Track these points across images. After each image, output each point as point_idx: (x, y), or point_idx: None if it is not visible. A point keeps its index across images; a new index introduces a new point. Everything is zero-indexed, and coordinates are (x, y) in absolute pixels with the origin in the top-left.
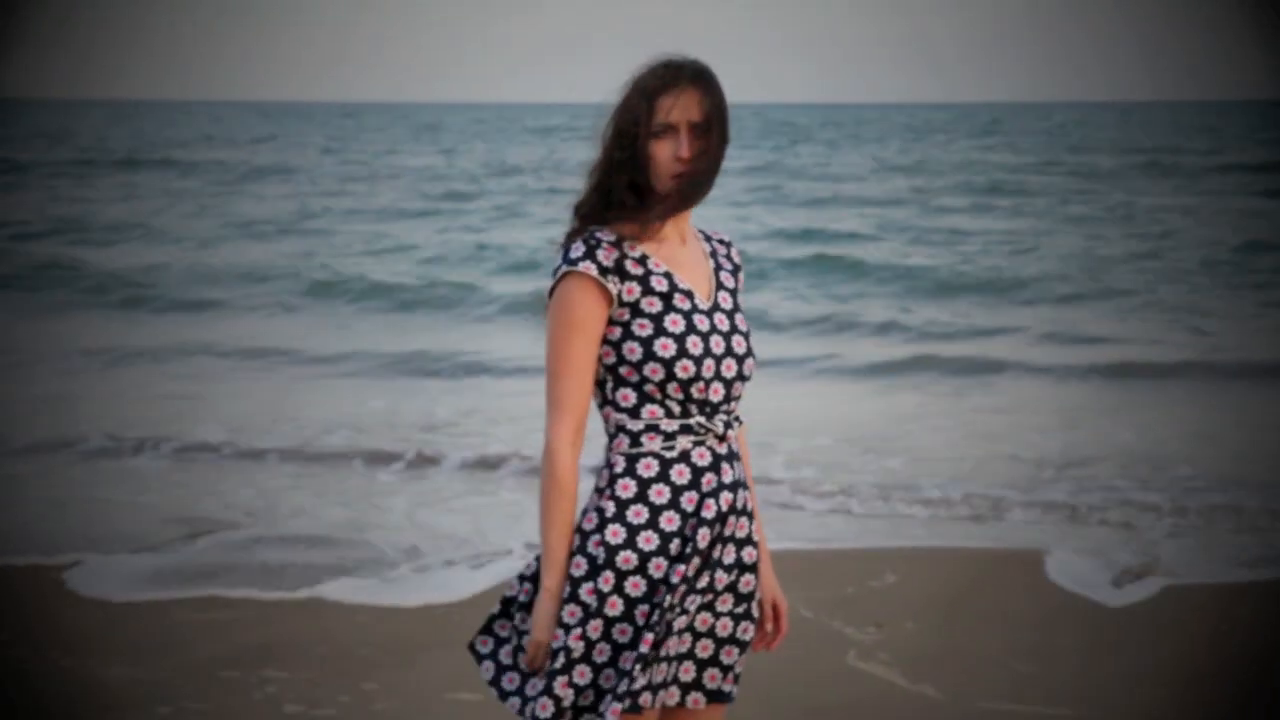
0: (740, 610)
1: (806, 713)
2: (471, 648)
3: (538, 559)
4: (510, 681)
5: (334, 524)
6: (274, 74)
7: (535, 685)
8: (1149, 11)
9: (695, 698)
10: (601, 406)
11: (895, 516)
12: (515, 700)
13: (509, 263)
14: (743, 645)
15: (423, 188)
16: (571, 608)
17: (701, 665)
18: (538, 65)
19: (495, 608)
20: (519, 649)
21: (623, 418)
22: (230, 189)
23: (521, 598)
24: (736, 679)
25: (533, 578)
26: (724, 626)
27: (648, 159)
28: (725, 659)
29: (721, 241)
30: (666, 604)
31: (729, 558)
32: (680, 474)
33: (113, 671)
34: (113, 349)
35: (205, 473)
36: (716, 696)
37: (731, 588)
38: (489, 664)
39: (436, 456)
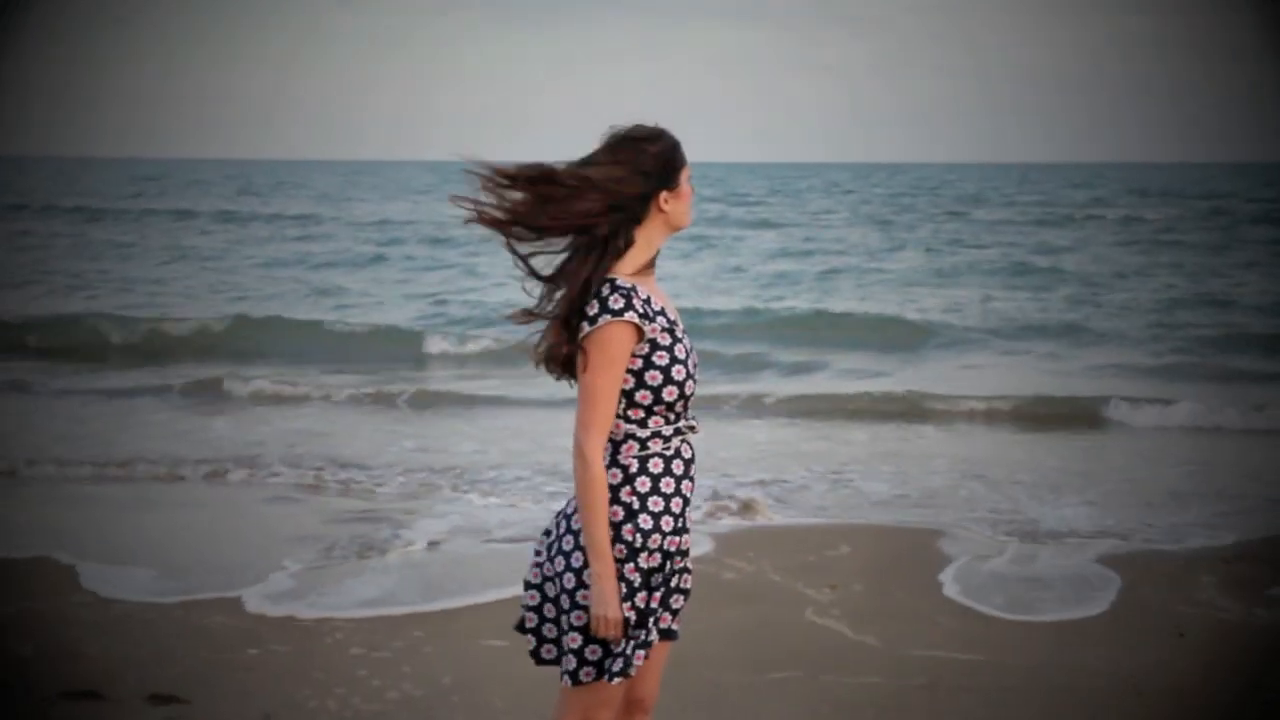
0: (685, 565)
1: (769, 658)
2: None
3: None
4: (549, 652)
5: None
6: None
7: (622, 648)
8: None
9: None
10: None
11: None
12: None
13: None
14: (686, 593)
15: None
16: (619, 585)
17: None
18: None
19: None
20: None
21: (632, 428)
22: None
23: (532, 579)
24: (679, 621)
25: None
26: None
27: (672, 207)
28: (674, 605)
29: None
30: (668, 569)
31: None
32: (678, 466)
33: (215, 620)
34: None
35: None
36: (667, 635)
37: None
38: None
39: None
